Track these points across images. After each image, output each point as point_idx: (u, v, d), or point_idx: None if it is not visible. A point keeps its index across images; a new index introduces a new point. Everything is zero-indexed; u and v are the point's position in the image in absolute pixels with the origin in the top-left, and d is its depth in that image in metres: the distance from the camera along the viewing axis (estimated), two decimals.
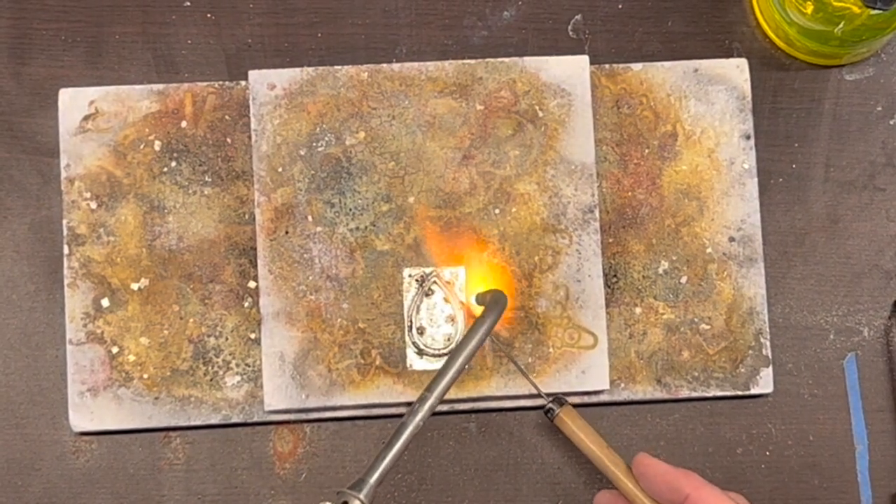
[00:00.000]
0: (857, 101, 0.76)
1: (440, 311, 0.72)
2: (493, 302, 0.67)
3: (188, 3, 0.76)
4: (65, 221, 0.72)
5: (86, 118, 0.73)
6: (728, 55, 0.76)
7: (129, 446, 0.73)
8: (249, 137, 0.73)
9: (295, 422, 0.73)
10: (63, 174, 0.73)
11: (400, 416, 0.73)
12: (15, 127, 0.75)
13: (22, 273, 0.74)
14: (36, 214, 0.74)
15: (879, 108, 0.76)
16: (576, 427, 0.67)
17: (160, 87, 0.74)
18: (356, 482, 0.60)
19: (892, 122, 0.76)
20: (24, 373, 0.73)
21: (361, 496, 0.60)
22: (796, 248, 0.75)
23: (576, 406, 0.73)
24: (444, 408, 0.72)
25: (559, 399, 0.68)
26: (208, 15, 0.76)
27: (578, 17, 0.76)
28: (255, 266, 0.72)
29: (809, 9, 0.72)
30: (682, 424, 0.74)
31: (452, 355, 0.64)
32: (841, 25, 0.71)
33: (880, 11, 0.69)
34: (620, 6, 0.77)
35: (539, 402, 0.69)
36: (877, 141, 0.76)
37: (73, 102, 0.73)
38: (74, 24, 0.76)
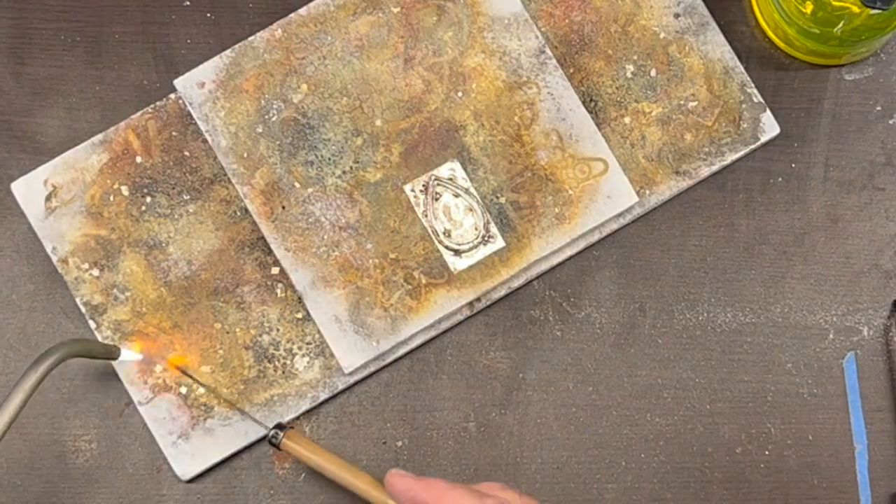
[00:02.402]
0: (857, 100, 0.76)
1: (456, 208, 0.72)
2: (50, 350, 0.63)
3: (188, 3, 0.75)
4: (77, 299, 0.72)
5: (48, 198, 0.72)
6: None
7: (129, 446, 0.73)
8: (205, 141, 0.73)
9: (374, 373, 0.73)
10: (54, 258, 0.72)
11: (460, 321, 0.73)
12: (15, 127, 0.74)
13: (22, 273, 0.73)
14: None
15: (879, 108, 0.76)
16: (305, 449, 0.68)
17: (100, 136, 0.73)
18: None
19: (891, 122, 0.76)
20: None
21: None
22: (796, 248, 0.75)
23: (614, 233, 0.74)
24: (520, 281, 0.73)
25: (281, 425, 0.69)
26: (208, 15, 0.76)
27: None
28: (271, 253, 0.72)
29: (809, 9, 0.71)
30: (682, 425, 0.74)
31: None
32: (840, 25, 0.71)
33: (879, 11, 0.69)
34: None
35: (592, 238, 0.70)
36: (876, 141, 0.76)
37: (29, 189, 0.72)
38: (74, 23, 0.75)
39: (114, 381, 0.72)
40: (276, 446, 0.68)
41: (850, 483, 0.74)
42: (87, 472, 0.73)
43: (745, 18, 0.76)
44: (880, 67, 0.77)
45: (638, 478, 0.73)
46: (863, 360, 0.75)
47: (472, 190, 0.72)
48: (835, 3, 0.71)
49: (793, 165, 0.76)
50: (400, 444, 0.73)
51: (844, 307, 0.75)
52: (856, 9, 0.71)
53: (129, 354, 0.70)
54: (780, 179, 0.76)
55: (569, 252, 0.74)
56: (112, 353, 0.69)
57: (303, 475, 0.73)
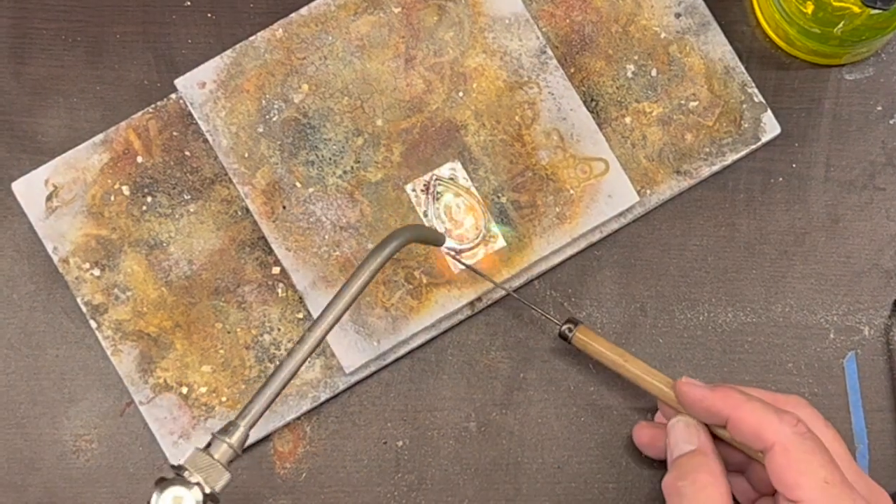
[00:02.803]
0: (857, 100, 0.76)
1: (457, 208, 0.72)
2: (393, 234, 0.63)
3: (189, 3, 0.75)
4: (78, 299, 0.72)
5: (49, 198, 0.72)
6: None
7: (130, 446, 0.73)
8: (205, 141, 0.73)
9: (375, 373, 0.73)
10: (55, 258, 0.72)
11: (461, 321, 0.73)
12: (15, 127, 0.74)
13: (22, 273, 0.73)
14: None
15: (879, 108, 0.76)
16: (598, 344, 0.68)
17: (101, 136, 0.73)
18: (226, 426, 0.59)
19: (892, 122, 0.76)
20: (24, 373, 0.73)
21: (231, 440, 0.58)
22: (796, 248, 0.75)
23: (615, 233, 0.74)
24: (521, 281, 0.73)
25: (573, 320, 0.69)
26: (209, 14, 0.75)
27: None
28: (271, 252, 0.72)
29: (809, 8, 0.71)
30: None
31: (339, 293, 0.61)
32: (841, 25, 0.71)
33: (880, 11, 0.69)
34: None
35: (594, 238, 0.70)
36: (877, 140, 0.76)
37: (30, 189, 0.72)
38: (75, 23, 0.75)
39: (114, 381, 0.72)
40: (567, 340, 0.69)
41: None
42: (87, 471, 0.73)
43: (746, 18, 0.76)
44: (881, 67, 0.77)
45: (639, 478, 0.73)
46: (863, 359, 0.75)
47: (473, 189, 0.72)
48: (835, 3, 0.71)
49: (793, 165, 0.76)
50: (401, 443, 0.73)
51: (845, 307, 0.75)
52: (856, 9, 0.71)
53: (452, 243, 0.71)
54: (780, 179, 0.76)
55: (570, 252, 0.74)
56: (438, 239, 0.69)
57: (303, 475, 0.73)
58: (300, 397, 0.72)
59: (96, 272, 0.72)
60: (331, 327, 0.60)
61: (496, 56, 0.73)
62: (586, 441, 0.74)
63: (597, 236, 0.74)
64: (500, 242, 0.72)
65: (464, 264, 0.71)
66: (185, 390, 0.72)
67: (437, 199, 0.72)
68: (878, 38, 0.72)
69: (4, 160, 0.74)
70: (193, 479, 0.58)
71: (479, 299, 0.73)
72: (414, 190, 0.72)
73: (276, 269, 0.73)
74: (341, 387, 0.72)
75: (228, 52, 0.73)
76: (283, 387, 0.60)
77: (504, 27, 0.73)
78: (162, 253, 0.73)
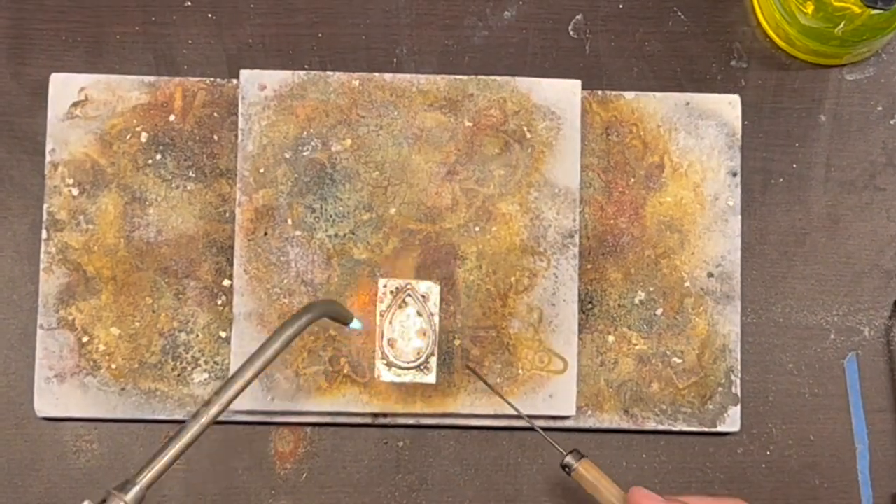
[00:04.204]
0: (858, 100, 0.76)
1: (412, 325, 0.71)
2: (308, 306, 0.62)
3: (189, 3, 0.76)
4: (45, 206, 0.73)
5: (75, 105, 0.73)
6: (728, 55, 0.76)
7: (130, 446, 0.73)
8: (236, 136, 0.73)
9: (261, 423, 0.73)
10: (48, 158, 0.73)
11: (365, 425, 0.73)
12: (15, 127, 0.75)
13: (22, 273, 0.74)
14: (36, 214, 0.74)
15: (880, 108, 0.76)
16: (595, 480, 0.66)
17: (151, 79, 0.74)
18: (123, 483, 0.58)
19: (892, 122, 0.76)
20: (24, 373, 0.73)
21: (126, 498, 0.57)
22: (797, 248, 0.75)
23: (542, 430, 0.73)
24: (431, 422, 0.73)
25: (578, 452, 0.67)
26: (209, 15, 0.76)
27: (579, 16, 0.76)
28: (232, 265, 0.72)
29: (810, 8, 0.71)
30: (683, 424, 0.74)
31: (250, 359, 0.60)
32: (841, 25, 0.71)
33: (880, 11, 0.69)
34: (621, 6, 0.76)
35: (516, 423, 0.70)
36: (877, 141, 0.76)
37: (63, 88, 0.73)
38: (74, 23, 0.76)
39: (29, 294, 0.73)
40: (568, 474, 0.67)
41: (851, 483, 0.74)
42: (87, 472, 0.73)
43: (747, 18, 0.76)
44: (881, 67, 0.76)
45: (639, 478, 0.74)
46: (864, 360, 0.75)
47: (436, 319, 0.71)
48: (836, 4, 0.71)
49: (794, 166, 0.76)
50: (401, 444, 0.73)
51: (845, 307, 0.75)
52: (857, 9, 0.70)
53: (357, 324, 0.68)
54: (781, 179, 0.76)
55: (487, 422, 0.73)
56: (348, 319, 0.66)
57: (304, 475, 0.73)
58: (178, 405, 0.72)
59: (75, 191, 0.73)
60: (236, 395, 0.60)
61: (528, 214, 0.73)
62: (586, 441, 0.73)
63: (520, 423, 0.72)
64: (431, 378, 0.71)
65: (485, 382, 0.70)
66: (85, 339, 0.72)
67: (401, 307, 0.72)
68: (879, 38, 0.72)
69: (4, 160, 0.75)
70: None
71: (383, 415, 0.72)
72: (385, 286, 0.72)
73: (227, 282, 0.73)
74: (220, 417, 0.72)
75: (302, 72, 0.73)
76: (185, 450, 0.59)
77: (551, 194, 0.73)
78: (140, 208, 0.73)
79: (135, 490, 0.58)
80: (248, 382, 0.60)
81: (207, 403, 0.59)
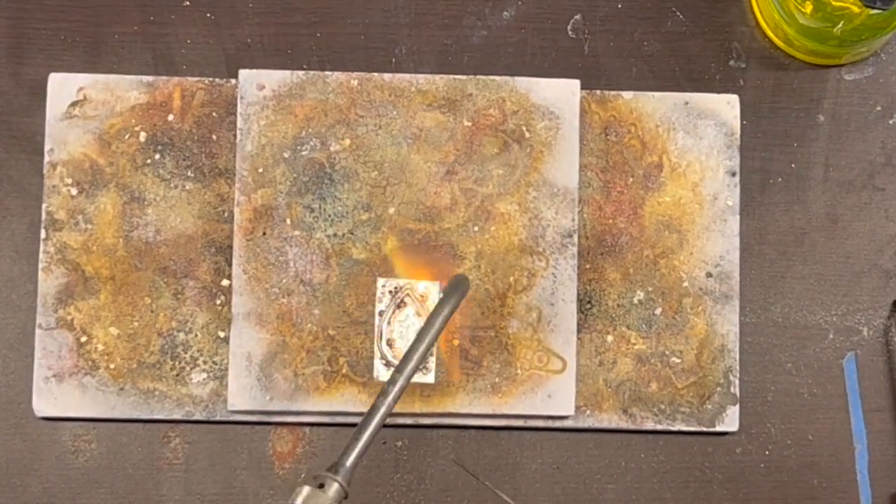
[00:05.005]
0: (857, 100, 0.76)
1: (411, 325, 0.71)
2: (454, 284, 0.65)
3: (187, 3, 0.76)
4: (44, 206, 0.72)
5: (73, 104, 0.73)
6: (727, 55, 0.76)
7: (129, 446, 0.73)
8: (235, 136, 0.73)
9: (259, 423, 0.73)
10: (46, 158, 0.73)
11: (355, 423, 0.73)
12: (15, 127, 0.75)
13: (21, 273, 0.74)
14: (36, 214, 0.73)
15: (879, 108, 0.76)
16: None
17: (150, 78, 0.74)
18: (332, 465, 0.59)
19: (891, 122, 0.76)
20: (24, 373, 0.73)
21: (339, 478, 0.59)
22: (795, 248, 0.75)
23: (539, 430, 0.73)
24: (430, 421, 0.73)
25: None
26: (207, 14, 0.76)
27: (578, 17, 0.76)
28: (230, 265, 0.72)
29: (808, 8, 0.71)
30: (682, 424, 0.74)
31: (419, 336, 0.63)
32: (840, 25, 0.71)
33: (879, 11, 0.69)
34: (620, 6, 0.76)
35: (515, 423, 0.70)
36: (876, 141, 0.76)
37: (62, 88, 0.73)
38: (73, 23, 0.76)
39: (28, 293, 0.73)
40: None
41: (850, 483, 0.74)
42: (87, 472, 0.73)
43: (745, 18, 0.76)
44: (880, 67, 0.76)
45: (638, 478, 0.73)
46: (863, 360, 0.75)
47: None
48: (835, 3, 0.71)
49: (792, 165, 0.76)
50: (400, 443, 0.73)
51: (844, 307, 0.75)
52: (856, 9, 0.70)
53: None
54: (779, 179, 0.76)
55: (487, 422, 0.73)
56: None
57: (303, 475, 0.73)
58: (177, 405, 0.72)
59: (74, 191, 0.73)
60: (413, 371, 0.62)
61: (527, 214, 0.73)
62: (585, 441, 0.73)
63: (518, 423, 0.72)
64: (430, 378, 0.71)
65: (496, 492, 0.71)
66: (83, 339, 0.72)
67: (399, 307, 0.72)
68: (878, 37, 0.72)
69: (3, 160, 0.75)
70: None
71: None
72: (384, 286, 0.72)
73: (225, 282, 0.73)
74: (218, 418, 0.72)
75: (301, 72, 0.73)
76: (379, 429, 0.61)
77: (549, 194, 0.73)
78: (139, 208, 0.73)
79: (343, 470, 0.60)
80: (425, 353, 0.62)
81: (391, 381, 0.61)
